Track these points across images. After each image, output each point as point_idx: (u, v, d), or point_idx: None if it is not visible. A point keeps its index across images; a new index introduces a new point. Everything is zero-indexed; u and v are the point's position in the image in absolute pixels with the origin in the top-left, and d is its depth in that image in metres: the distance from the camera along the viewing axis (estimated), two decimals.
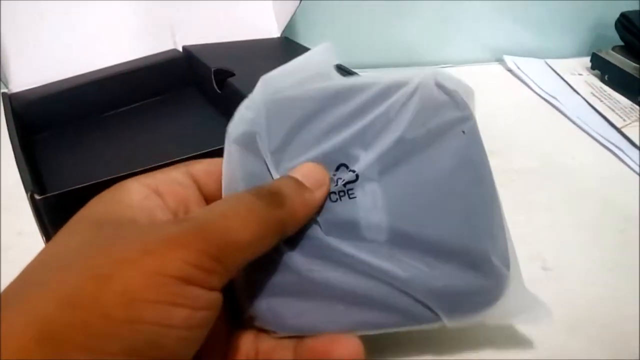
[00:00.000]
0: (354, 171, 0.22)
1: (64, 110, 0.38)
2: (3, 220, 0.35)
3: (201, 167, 0.22)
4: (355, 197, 0.22)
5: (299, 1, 0.47)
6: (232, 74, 0.38)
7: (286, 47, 0.47)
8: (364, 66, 0.57)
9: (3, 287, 0.24)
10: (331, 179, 0.22)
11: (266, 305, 0.21)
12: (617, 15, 0.58)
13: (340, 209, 0.22)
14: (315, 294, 0.21)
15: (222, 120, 0.36)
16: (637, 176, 0.40)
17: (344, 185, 0.22)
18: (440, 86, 0.23)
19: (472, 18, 0.62)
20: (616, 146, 0.44)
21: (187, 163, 0.22)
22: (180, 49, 0.46)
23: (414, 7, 0.60)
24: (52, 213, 0.26)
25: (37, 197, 0.25)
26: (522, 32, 0.64)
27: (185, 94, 0.44)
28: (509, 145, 0.44)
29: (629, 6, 0.58)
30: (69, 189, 0.26)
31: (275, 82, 0.23)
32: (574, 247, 0.32)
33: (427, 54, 0.63)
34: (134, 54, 0.43)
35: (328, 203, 0.22)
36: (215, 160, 0.23)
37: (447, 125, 0.23)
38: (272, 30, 0.49)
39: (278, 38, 0.49)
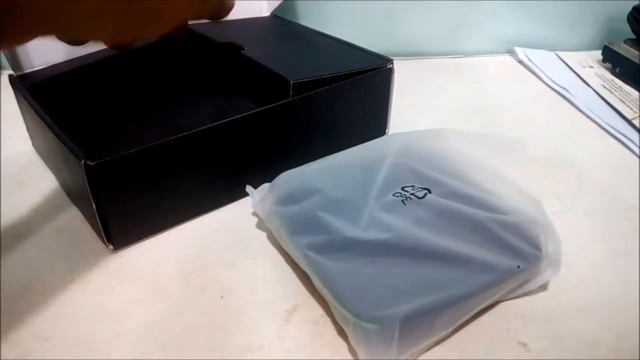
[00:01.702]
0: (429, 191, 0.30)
1: (69, 90, 0.39)
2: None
3: None
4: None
5: None
6: (242, 48, 0.40)
7: (278, 24, 0.51)
8: None
9: (3, 288, 0.25)
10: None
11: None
12: (629, 9, 0.58)
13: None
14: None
15: (230, 90, 0.40)
16: None
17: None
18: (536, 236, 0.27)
19: (484, 9, 0.62)
20: (626, 137, 0.44)
21: None
22: None
23: None
24: (102, 178, 0.28)
25: (90, 163, 0.27)
26: (533, 24, 0.64)
27: (187, 68, 0.46)
28: (519, 135, 0.44)
29: None
30: (122, 153, 0.28)
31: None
32: (583, 234, 0.33)
33: (438, 45, 0.63)
34: None
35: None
36: None
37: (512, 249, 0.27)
38: (262, 9, 0.52)
39: (268, 16, 0.52)
